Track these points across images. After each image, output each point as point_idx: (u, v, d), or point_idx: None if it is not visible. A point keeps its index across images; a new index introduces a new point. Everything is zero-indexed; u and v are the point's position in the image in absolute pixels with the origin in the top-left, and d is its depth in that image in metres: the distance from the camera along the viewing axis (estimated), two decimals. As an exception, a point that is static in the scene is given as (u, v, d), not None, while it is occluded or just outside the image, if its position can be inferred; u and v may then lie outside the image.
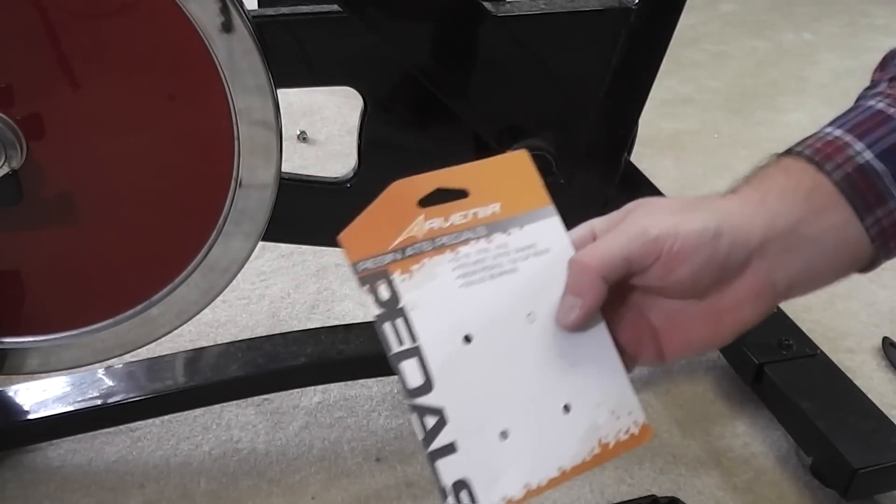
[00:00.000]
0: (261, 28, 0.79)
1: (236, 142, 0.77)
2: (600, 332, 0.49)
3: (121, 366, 0.97)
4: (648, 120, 1.07)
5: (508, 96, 0.88)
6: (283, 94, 0.78)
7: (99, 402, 0.93)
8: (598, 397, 0.48)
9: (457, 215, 0.47)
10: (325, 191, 0.92)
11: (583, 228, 0.50)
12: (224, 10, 0.71)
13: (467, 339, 0.46)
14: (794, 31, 2.29)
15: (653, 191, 0.97)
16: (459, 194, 0.48)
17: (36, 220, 0.80)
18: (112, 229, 0.82)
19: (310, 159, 1.61)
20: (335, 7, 0.82)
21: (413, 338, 0.44)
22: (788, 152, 0.50)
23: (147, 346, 0.89)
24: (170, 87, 0.77)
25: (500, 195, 0.48)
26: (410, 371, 0.44)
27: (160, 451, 0.99)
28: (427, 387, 0.44)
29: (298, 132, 1.66)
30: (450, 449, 0.44)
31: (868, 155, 0.48)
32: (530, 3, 0.88)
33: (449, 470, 0.44)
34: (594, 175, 0.92)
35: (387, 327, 0.44)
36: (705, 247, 0.45)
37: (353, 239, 0.45)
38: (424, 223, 0.46)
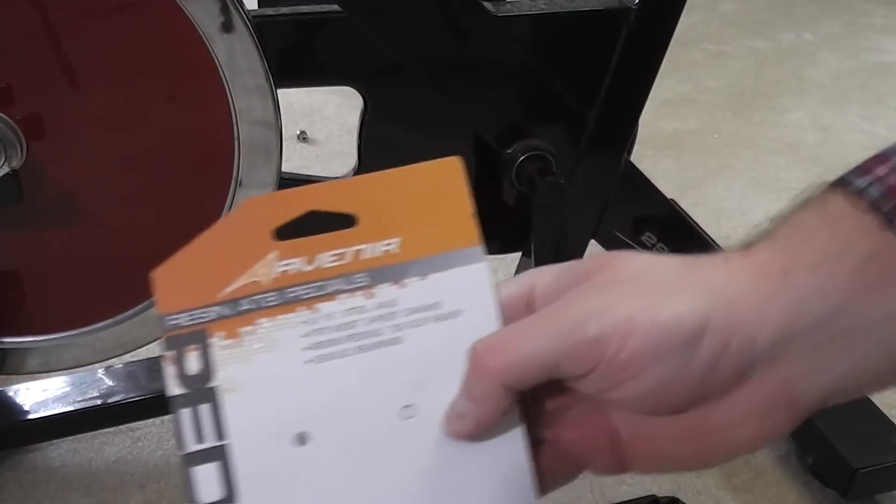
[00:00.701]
0: (261, 28, 0.79)
1: (236, 142, 0.77)
2: (511, 443, 0.34)
3: (121, 366, 0.97)
4: (648, 120, 1.07)
5: (508, 96, 0.88)
6: (283, 94, 0.78)
7: (99, 402, 0.93)
8: None
9: (328, 254, 0.33)
10: (325, 191, 0.92)
11: (521, 284, 0.35)
12: (224, 10, 0.71)
13: (301, 439, 0.33)
14: (794, 31, 2.29)
15: (653, 191, 0.97)
16: (344, 221, 0.34)
17: (36, 220, 0.80)
18: (112, 229, 0.82)
19: (310, 159, 1.61)
20: (335, 7, 0.82)
21: (220, 434, 0.32)
22: (842, 184, 0.32)
23: (147, 346, 0.89)
24: (170, 87, 0.77)
25: (403, 225, 0.34)
26: (206, 480, 0.32)
27: (160, 451, 0.99)
28: (227, 503, 0.32)
29: (298, 132, 1.66)
30: None
31: None
32: (530, 3, 0.88)
33: None
34: (594, 175, 0.92)
35: (185, 415, 0.32)
36: (672, 356, 0.31)
37: (170, 280, 0.33)
38: (276, 265, 0.33)
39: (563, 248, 0.88)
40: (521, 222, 0.90)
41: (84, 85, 0.75)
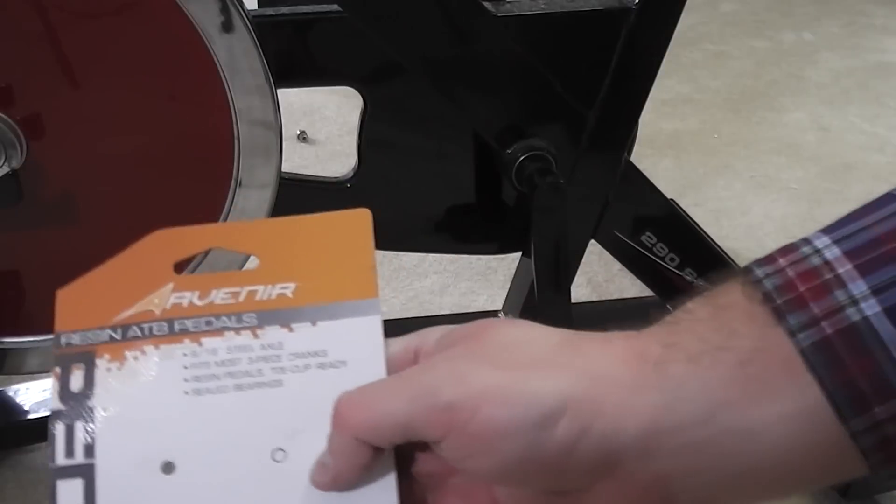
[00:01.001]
0: (261, 28, 0.79)
1: (236, 142, 0.77)
2: (381, 493, 0.33)
3: (121, 366, 0.97)
4: (648, 120, 1.07)
5: (508, 96, 0.88)
6: (283, 94, 0.78)
7: (99, 401, 0.93)
8: None
9: (223, 291, 0.34)
10: (325, 191, 0.92)
11: (410, 340, 0.35)
12: (224, 10, 0.71)
13: (168, 468, 0.33)
14: (794, 31, 2.29)
15: (653, 191, 0.97)
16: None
17: (35, 220, 0.80)
18: (112, 229, 0.82)
19: (310, 159, 1.61)
20: (335, 7, 0.82)
21: (89, 452, 0.32)
22: (745, 272, 0.31)
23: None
24: (170, 86, 0.77)
25: (302, 271, 0.35)
26: (68, 495, 0.32)
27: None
28: None
29: (298, 132, 1.66)
30: None
31: (871, 307, 0.27)
32: (530, 3, 0.88)
33: None
34: (594, 175, 0.92)
35: (60, 429, 0.32)
36: (522, 434, 0.29)
37: (71, 301, 0.34)
38: (170, 296, 0.34)
39: (563, 249, 0.88)
40: (521, 222, 0.90)
41: (84, 85, 0.75)
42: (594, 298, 1.27)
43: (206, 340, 0.34)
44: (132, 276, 0.35)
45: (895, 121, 1.77)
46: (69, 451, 0.32)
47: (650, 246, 0.96)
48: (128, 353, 0.33)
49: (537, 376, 0.30)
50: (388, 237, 0.91)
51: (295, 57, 0.84)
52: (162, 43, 0.74)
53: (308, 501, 0.33)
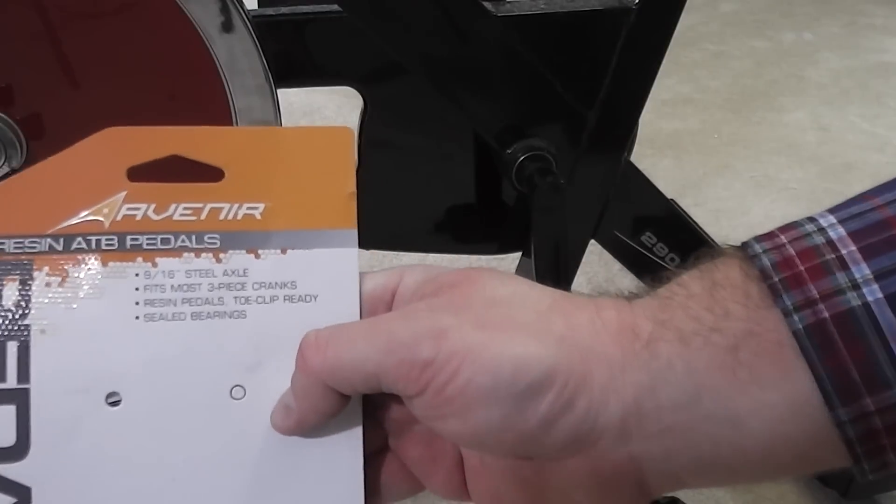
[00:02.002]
0: (261, 28, 0.79)
1: (236, 142, 0.77)
2: (345, 447, 0.31)
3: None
4: (648, 120, 1.07)
5: (508, 96, 0.88)
6: (283, 94, 0.78)
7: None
8: None
9: (183, 206, 0.31)
10: (325, 191, 0.92)
11: (388, 278, 0.33)
12: (224, 10, 0.71)
13: (112, 399, 0.30)
14: (794, 31, 2.29)
15: (653, 191, 0.97)
16: (213, 174, 0.32)
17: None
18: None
19: (310, 159, 1.61)
20: (335, 7, 0.82)
21: (23, 375, 0.29)
22: (742, 248, 0.29)
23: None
24: (170, 86, 0.77)
25: (273, 191, 0.32)
26: None
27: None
28: (17, 451, 0.29)
29: (298, 132, 1.66)
30: None
31: (872, 292, 0.26)
32: (530, 3, 0.87)
33: None
34: (594, 175, 0.92)
35: None
36: (504, 402, 0.28)
37: (7, 201, 0.30)
38: (122, 206, 0.30)
39: (563, 248, 0.88)
40: (521, 222, 0.90)
41: (84, 84, 0.75)
42: (594, 298, 1.26)
43: (161, 261, 0.30)
44: (78, 179, 0.30)
45: (895, 121, 1.78)
46: (0, 374, 0.29)
47: (650, 246, 0.96)
48: (70, 268, 0.30)
49: (525, 342, 0.28)
50: (388, 237, 0.91)
51: (295, 57, 0.84)
52: (162, 43, 0.74)
53: (267, 444, 0.31)
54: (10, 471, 0.29)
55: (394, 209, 0.90)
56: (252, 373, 0.31)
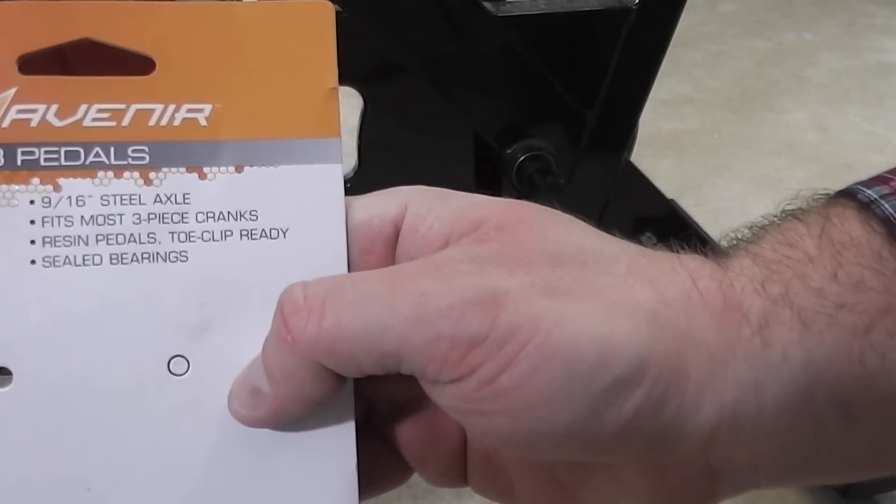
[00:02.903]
0: (261, 28, 0.79)
1: (236, 142, 0.77)
2: (333, 434, 0.23)
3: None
4: (648, 120, 1.07)
5: (508, 96, 0.88)
6: (282, 94, 0.78)
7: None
8: None
9: (97, 107, 0.23)
10: (324, 191, 0.92)
11: (386, 204, 0.24)
12: (224, 10, 0.71)
13: (1, 377, 0.21)
14: (794, 31, 2.29)
15: (653, 191, 0.97)
16: (140, 65, 0.23)
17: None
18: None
19: (310, 159, 1.61)
20: (335, 7, 0.82)
21: None
22: (849, 194, 0.24)
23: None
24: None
25: (223, 87, 0.23)
26: None
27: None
28: None
29: (298, 132, 1.66)
30: None
31: None
32: (530, 3, 0.87)
33: None
34: (594, 175, 0.92)
35: None
36: (580, 403, 0.21)
37: None
38: (11, 108, 0.22)
39: (563, 248, 0.88)
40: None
41: (84, 85, 0.75)
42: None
43: (66, 182, 0.22)
44: None
45: (895, 121, 1.77)
46: None
47: (650, 246, 0.96)
48: None
49: (610, 319, 0.21)
50: (388, 237, 0.91)
51: (295, 57, 0.84)
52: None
53: (221, 439, 0.22)
54: None
55: (394, 209, 0.90)
56: (197, 338, 0.22)
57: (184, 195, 0.23)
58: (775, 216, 0.25)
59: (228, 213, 0.23)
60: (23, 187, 0.22)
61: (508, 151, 0.87)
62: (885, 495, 0.95)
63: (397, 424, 0.25)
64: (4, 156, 0.22)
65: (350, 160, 0.91)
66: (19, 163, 0.22)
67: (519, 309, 0.21)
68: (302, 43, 0.24)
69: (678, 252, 0.24)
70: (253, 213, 0.23)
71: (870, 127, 1.76)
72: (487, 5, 0.84)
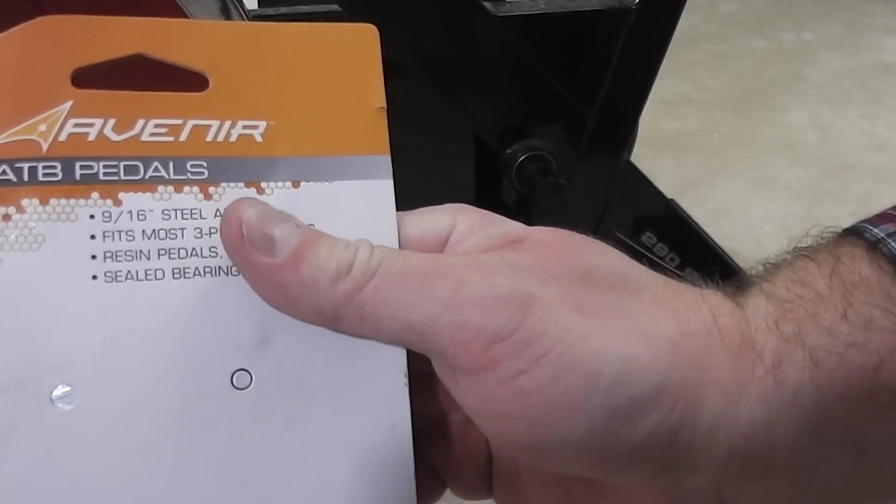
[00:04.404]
0: (261, 28, 0.79)
1: (236, 142, 0.77)
2: (390, 439, 0.23)
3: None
4: (648, 120, 1.07)
5: (508, 96, 0.88)
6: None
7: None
8: None
9: (154, 122, 0.22)
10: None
11: (436, 220, 0.25)
12: (224, 10, 0.71)
13: (62, 396, 0.21)
14: (794, 31, 2.29)
15: (653, 191, 0.97)
16: (195, 81, 0.23)
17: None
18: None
19: (310, 159, 1.61)
20: (335, 7, 0.82)
21: None
22: (856, 232, 0.24)
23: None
24: (169, 87, 0.77)
25: (277, 105, 0.24)
26: None
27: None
28: None
29: (298, 132, 1.66)
30: None
31: None
32: (530, 3, 0.88)
33: None
34: (594, 175, 0.92)
35: None
36: (592, 417, 0.21)
37: None
38: (68, 122, 0.22)
39: (563, 248, 0.88)
40: (521, 222, 0.90)
41: (83, 84, 0.75)
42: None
43: (127, 197, 0.22)
44: (12, 79, 0.22)
45: (895, 121, 1.78)
46: None
47: (650, 246, 0.96)
48: None
49: (634, 342, 0.22)
50: (388, 237, 0.92)
51: (295, 57, 0.85)
52: (162, 43, 0.74)
53: (284, 450, 0.22)
54: None
55: (394, 209, 0.90)
56: (259, 352, 0.22)
57: None
58: (788, 253, 0.25)
59: None
60: (82, 201, 0.22)
61: (508, 151, 0.87)
62: (885, 495, 0.95)
63: (431, 440, 0.26)
64: (63, 170, 0.22)
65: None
66: (78, 177, 0.22)
67: (547, 316, 0.21)
68: (349, 64, 0.25)
69: (700, 286, 0.25)
70: (310, 227, 0.23)
71: (870, 127, 1.76)
72: (487, 5, 0.84)
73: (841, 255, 0.23)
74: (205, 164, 0.23)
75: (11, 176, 0.21)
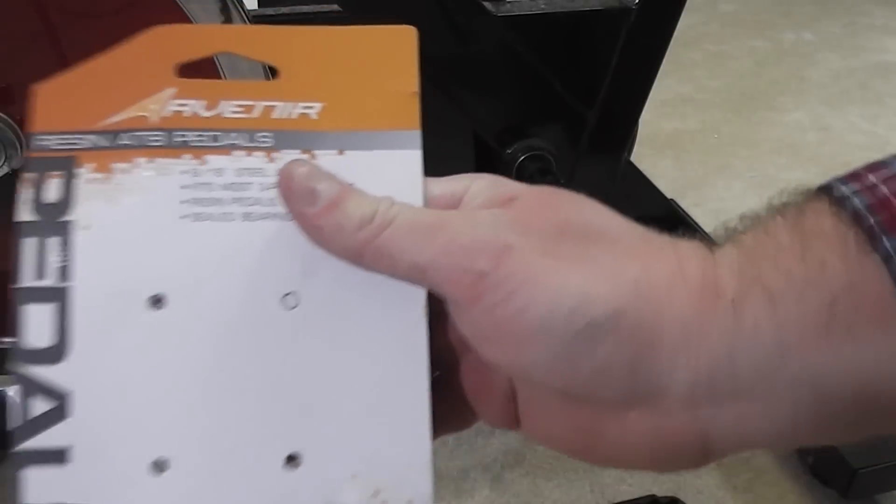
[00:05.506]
0: (261, 28, 0.79)
1: (236, 142, 0.77)
2: (410, 379, 0.29)
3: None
4: (648, 120, 1.07)
5: (508, 96, 0.88)
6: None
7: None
8: (360, 462, 0.28)
9: (234, 103, 0.30)
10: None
11: (456, 184, 0.30)
12: (224, 9, 0.71)
13: (156, 301, 0.28)
14: (794, 31, 2.29)
15: (653, 191, 0.97)
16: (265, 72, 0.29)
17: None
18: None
19: (310, 159, 1.61)
20: (335, 7, 0.82)
21: (64, 274, 0.27)
22: (826, 190, 0.26)
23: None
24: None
25: (330, 90, 0.30)
26: (38, 322, 0.27)
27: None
28: (56, 353, 0.27)
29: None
30: (57, 457, 0.27)
31: None
32: (530, 3, 0.88)
33: (43, 490, 0.27)
34: (594, 175, 0.92)
35: (30, 245, 0.28)
36: (555, 339, 0.25)
37: (52, 98, 0.30)
38: (170, 102, 0.29)
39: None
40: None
41: (84, 85, 0.75)
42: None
43: (210, 158, 0.29)
44: (125, 76, 0.29)
45: (895, 121, 1.78)
46: (40, 272, 0.27)
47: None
48: (115, 165, 0.28)
49: (593, 279, 0.26)
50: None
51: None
52: (162, 43, 0.74)
53: (321, 361, 0.28)
54: (49, 374, 0.27)
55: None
56: (306, 280, 0.28)
57: None
58: (765, 209, 0.28)
59: None
60: (177, 161, 0.29)
61: (508, 151, 0.87)
62: (885, 495, 0.95)
63: (459, 371, 0.31)
64: (165, 137, 0.29)
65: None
66: (175, 143, 0.29)
67: (520, 260, 0.26)
68: (391, 57, 0.31)
69: (683, 239, 0.29)
70: (351, 185, 0.29)
71: (870, 127, 1.76)
72: (487, 5, 0.84)
73: (807, 209, 0.26)
74: (271, 135, 0.29)
75: (129, 141, 0.29)
